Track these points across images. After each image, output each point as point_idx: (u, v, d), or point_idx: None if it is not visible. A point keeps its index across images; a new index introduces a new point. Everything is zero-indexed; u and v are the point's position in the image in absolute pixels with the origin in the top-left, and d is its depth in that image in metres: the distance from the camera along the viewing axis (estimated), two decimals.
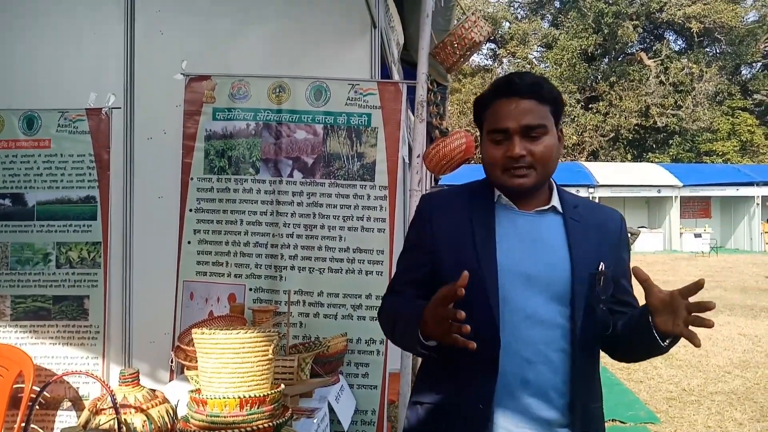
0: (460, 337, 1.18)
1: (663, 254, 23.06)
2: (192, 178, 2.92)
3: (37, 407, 2.89)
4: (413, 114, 3.16)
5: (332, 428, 2.40)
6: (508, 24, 35.44)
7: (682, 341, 1.27)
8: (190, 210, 2.92)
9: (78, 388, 2.93)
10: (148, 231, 3.06)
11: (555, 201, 1.46)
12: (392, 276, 1.60)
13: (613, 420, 4.91)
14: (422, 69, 2.73)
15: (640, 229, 24.16)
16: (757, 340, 7.81)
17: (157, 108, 3.05)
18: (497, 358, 1.34)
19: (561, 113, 1.46)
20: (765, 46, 33.56)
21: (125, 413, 1.82)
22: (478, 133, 1.58)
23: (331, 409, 2.38)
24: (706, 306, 1.18)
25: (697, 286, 1.20)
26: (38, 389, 2.80)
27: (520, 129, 1.38)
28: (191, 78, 2.90)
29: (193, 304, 2.90)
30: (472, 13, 2.96)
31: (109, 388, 1.71)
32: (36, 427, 2.94)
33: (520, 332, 1.35)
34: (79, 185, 3.01)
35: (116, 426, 1.69)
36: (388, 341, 2.61)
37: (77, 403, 2.95)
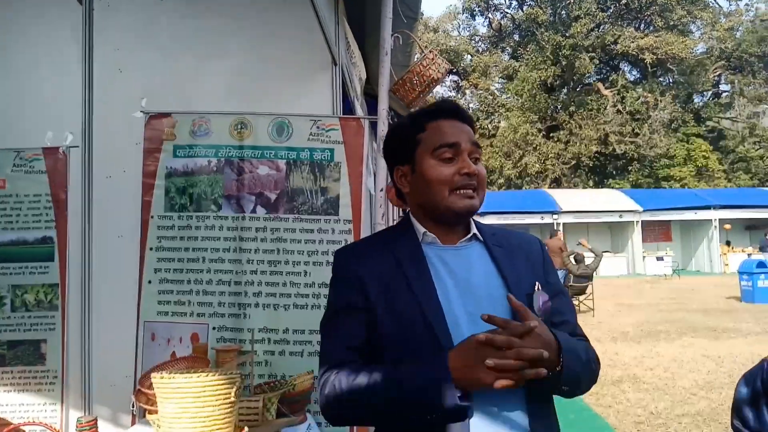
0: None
1: (627, 278, 23.49)
2: (152, 217, 2.88)
3: None
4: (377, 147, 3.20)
5: None
6: (469, 57, 36.33)
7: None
8: (151, 249, 2.87)
9: None
10: (107, 271, 2.99)
11: (474, 229, 1.42)
12: (322, 354, 1.37)
13: None
14: (383, 105, 2.78)
15: (604, 252, 24.67)
16: (720, 361, 7.96)
17: (117, 146, 3.02)
18: (467, 404, 1.23)
19: None
20: (714, 76, 35.11)
21: None
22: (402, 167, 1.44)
23: None
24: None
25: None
26: None
27: (470, 147, 1.37)
28: (151, 115, 2.88)
29: (154, 344, 2.82)
30: (430, 51, 3.03)
31: None
32: None
33: None
34: (35, 226, 2.94)
35: None
36: None
37: None
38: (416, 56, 4.41)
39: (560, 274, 13.60)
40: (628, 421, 5.63)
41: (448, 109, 1.41)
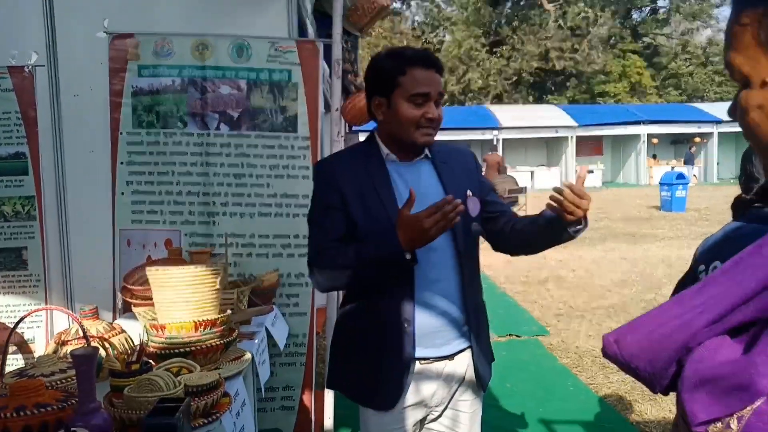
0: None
1: None
2: (121, 133, 3.08)
3: None
4: (329, 67, 3.45)
5: (269, 350, 2.77)
6: None
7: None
8: (122, 163, 3.09)
9: (23, 332, 3.11)
10: (80, 184, 3.21)
11: (425, 151, 1.83)
12: (312, 240, 1.81)
13: (509, 335, 5.62)
14: (337, 29, 3.01)
15: (540, 166, 25.73)
16: (635, 262, 8.88)
17: (81, 65, 3.15)
18: (413, 283, 1.73)
19: None
20: None
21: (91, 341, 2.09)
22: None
23: (268, 334, 2.74)
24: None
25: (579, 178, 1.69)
26: None
27: (437, 96, 1.75)
28: (114, 36, 3.01)
29: (130, 250, 3.11)
30: None
31: (78, 319, 1.98)
32: None
33: (423, 260, 1.69)
34: (6, 142, 3.09)
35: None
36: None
37: (23, 347, 3.13)
38: None
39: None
40: (550, 313, 6.38)
41: (426, 59, 1.75)
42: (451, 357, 1.80)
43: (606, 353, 1.03)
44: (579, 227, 1.70)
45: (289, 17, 3.26)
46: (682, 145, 28.08)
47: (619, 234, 11.79)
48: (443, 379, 1.81)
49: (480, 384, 1.88)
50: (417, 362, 1.76)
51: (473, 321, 1.83)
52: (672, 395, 0.80)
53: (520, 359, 5.00)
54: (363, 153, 1.84)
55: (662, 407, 3.99)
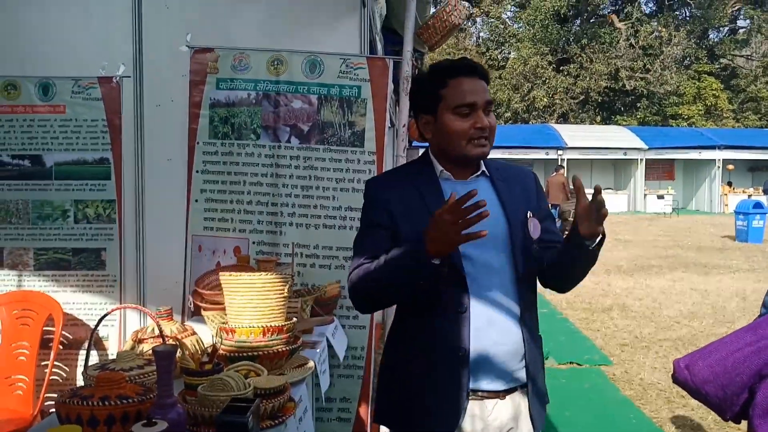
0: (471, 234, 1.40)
1: (627, 215, 23.94)
2: (198, 143, 3.22)
3: (61, 347, 3.23)
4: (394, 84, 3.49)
5: (329, 360, 2.81)
6: None
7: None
8: (197, 171, 3.22)
9: (98, 330, 3.27)
10: (158, 190, 3.37)
11: (482, 167, 1.73)
12: (353, 260, 1.70)
13: (570, 362, 5.46)
14: (407, 47, 3.06)
15: (606, 189, 24.96)
16: (706, 294, 8.48)
17: (164, 77, 3.32)
18: (467, 305, 1.60)
19: None
20: (732, 11, 34.19)
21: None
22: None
23: (328, 344, 2.78)
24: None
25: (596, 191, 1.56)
26: (66, 333, 3.15)
27: (484, 104, 1.63)
28: (195, 50, 3.17)
29: (201, 255, 3.23)
30: None
31: (156, 318, 2.07)
32: (60, 364, 3.29)
33: (480, 281, 1.60)
34: (93, 148, 3.29)
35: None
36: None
37: (98, 343, 3.30)
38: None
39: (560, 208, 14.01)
40: (614, 343, 6.17)
41: (468, 67, 1.67)
42: (504, 393, 1.66)
43: (676, 379, 1.00)
44: (596, 242, 1.58)
45: (362, 34, 3.34)
46: (760, 173, 26.72)
47: (690, 264, 11.29)
48: (495, 419, 1.65)
49: (534, 429, 1.71)
50: (471, 394, 1.62)
51: (530, 355, 1.68)
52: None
53: (580, 388, 4.85)
54: (415, 171, 1.76)
55: None
